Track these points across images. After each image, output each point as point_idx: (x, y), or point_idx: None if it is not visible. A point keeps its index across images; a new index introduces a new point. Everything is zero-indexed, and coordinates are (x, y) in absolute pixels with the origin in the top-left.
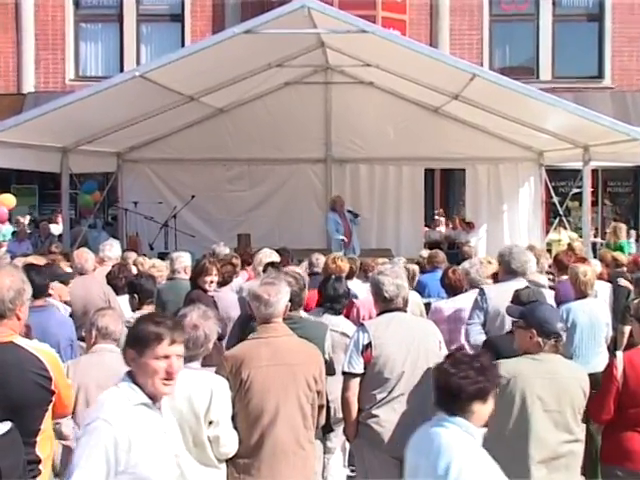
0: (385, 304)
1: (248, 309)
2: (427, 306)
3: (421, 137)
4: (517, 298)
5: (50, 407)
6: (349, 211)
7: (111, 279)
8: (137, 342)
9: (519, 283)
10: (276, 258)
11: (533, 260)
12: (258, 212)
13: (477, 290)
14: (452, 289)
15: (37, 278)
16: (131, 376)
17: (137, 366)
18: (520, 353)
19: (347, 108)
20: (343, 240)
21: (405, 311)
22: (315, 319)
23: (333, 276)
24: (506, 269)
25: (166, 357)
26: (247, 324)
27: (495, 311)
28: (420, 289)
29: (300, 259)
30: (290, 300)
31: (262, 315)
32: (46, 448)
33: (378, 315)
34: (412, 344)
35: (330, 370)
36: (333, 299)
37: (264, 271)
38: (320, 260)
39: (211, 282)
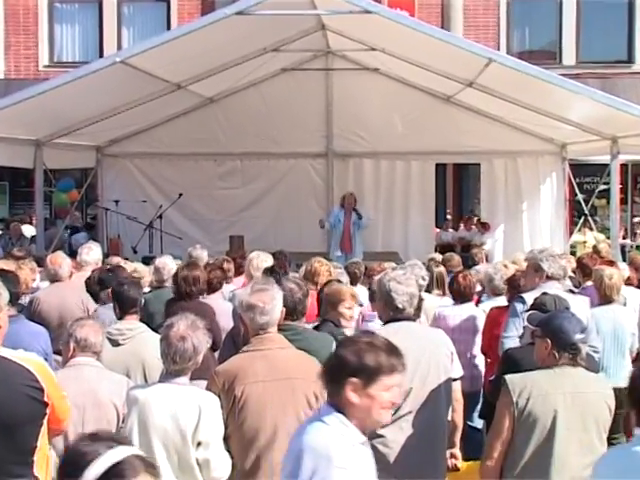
0: (394, 313)
1: (239, 322)
2: None
3: (432, 129)
4: (541, 305)
5: (45, 421)
6: (354, 209)
7: (91, 286)
8: (365, 371)
9: (555, 290)
10: (268, 262)
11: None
12: (252, 212)
13: (498, 297)
14: (460, 296)
15: (8, 285)
16: (335, 407)
17: (358, 397)
18: (539, 365)
19: (350, 97)
20: (322, 226)
21: (414, 320)
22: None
23: (334, 282)
24: (541, 274)
25: (391, 388)
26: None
27: None
28: None
29: (299, 263)
30: (292, 308)
31: (257, 325)
32: (44, 467)
33: (386, 323)
34: (422, 356)
35: None
36: None
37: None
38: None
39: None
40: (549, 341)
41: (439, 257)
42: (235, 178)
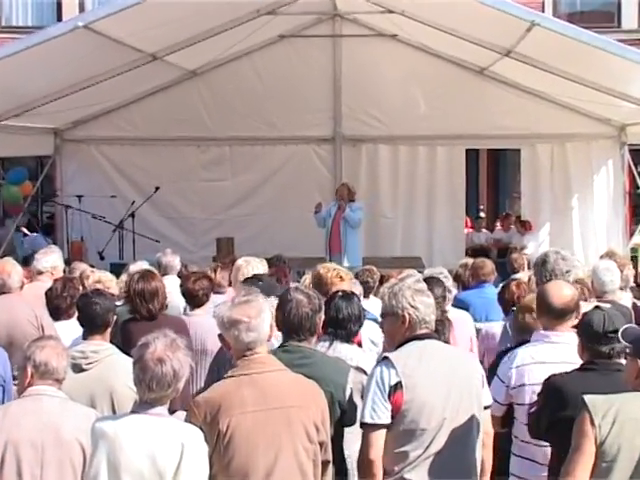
0: (413, 329)
1: (222, 343)
2: None
3: (461, 108)
4: (589, 326)
5: None
6: (351, 201)
7: (52, 299)
8: None
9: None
10: (261, 269)
11: (617, 275)
12: (244, 209)
13: None
14: (511, 308)
15: None
16: None
17: None
18: (629, 389)
19: (362, 70)
20: (318, 211)
21: (438, 338)
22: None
23: (340, 293)
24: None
25: None
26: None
27: None
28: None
29: (300, 271)
30: (296, 325)
31: (242, 345)
32: None
33: (404, 343)
34: (453, 383)
35: (349, 420)
36: (337, 323)
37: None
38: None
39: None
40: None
41: (470, 262)
42: (223, 168)
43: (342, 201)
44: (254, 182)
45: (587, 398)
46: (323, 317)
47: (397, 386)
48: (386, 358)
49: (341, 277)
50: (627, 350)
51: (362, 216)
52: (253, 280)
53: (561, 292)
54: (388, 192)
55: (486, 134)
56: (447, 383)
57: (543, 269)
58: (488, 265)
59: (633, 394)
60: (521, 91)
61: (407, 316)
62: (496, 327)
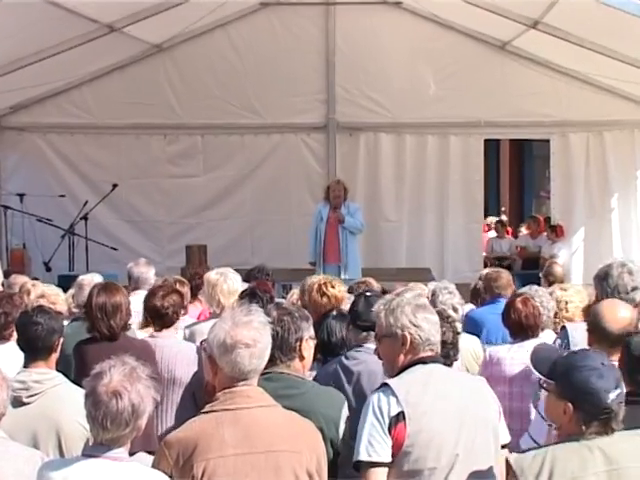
0: (415, 352)
1: (206, 367)
2: None
3: (479, 89)
4: (630, 352)
5: None
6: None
7: None
8: None
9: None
10: (236, 285)
11: None
12: (219, 211)
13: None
14: (519, 330)
15: None
16: None
17: None
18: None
19: (361, 44)
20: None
21: (448, 364)
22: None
23: (333, 313)
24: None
25: None
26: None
27: None
28: (473, 330)
29: (287, 285)
30: (279, 348)
31: (239, 373)
32: None
33: (405, 368)
34: (466, 413)
35: (344, 462)
36: (329, 348)
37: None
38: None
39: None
40: (569, 405)
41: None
42: (194, 162)
43: (337, 200)
44: (231, 179)
45: (512, 459)
46: (313, 340)
47: (399, 417)
48: (385, 385)
49: (336, 296)
50: (547, 386)
51: (362, 219)
52: (252, 295)
53: (617, 314)
54: (391, 191)
55: (508, 121)
56: (459, 413)
57: (605, 284)
58: (503, 277)
59: (569, 444)
60: (550, 70)
61: (408, 336)
62: (502, 351)
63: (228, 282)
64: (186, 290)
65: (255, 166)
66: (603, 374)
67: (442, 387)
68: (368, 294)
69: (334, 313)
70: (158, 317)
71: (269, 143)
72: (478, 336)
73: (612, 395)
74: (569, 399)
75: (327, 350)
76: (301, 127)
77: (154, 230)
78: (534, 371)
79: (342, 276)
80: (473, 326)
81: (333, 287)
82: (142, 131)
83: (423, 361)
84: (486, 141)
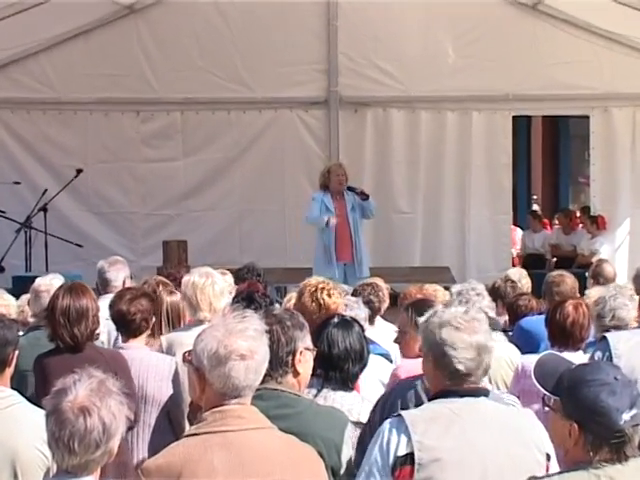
0: (452, 382)
1: (192, 382)
2: None
3: (506, 58)
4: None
5: None
6: (350, 188)
7: None
8: None
9: None
10: (224, 287)
11: None
12: (201, 200)
13: None
14: (560, 336)
15: None
16: None
17: None
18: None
19: (367, 5)
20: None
21: (486, 394)
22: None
23: (335, 319)
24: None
25: None
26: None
27: None
28: (525, 343)
29: (281, 287)
30: (272, 362)
31: (232, 389)
32: None
33: (435, 397)
34: (493, 462)
35: None
36: (330, 362)
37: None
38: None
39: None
40: (575, 425)
41: (518, 275)
42: (172, 143)
43: (340, 186)
44: (216, 163)
45: None
46: (311, 351)
47: (406, 459)
48: (399, 416)
49: (329, 306)
50: (551, 403)
51: None
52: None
53: None
54: (404, 177)
55: (541, 94)
56: (481, 466)
57: None
58: (568, 281)
59: (575, 473)
60: (590, 34)
61: (454, 365)
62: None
63: (215, 287)
64: (175, 299)
65: (244, 148)
66: (616, 390)
67: (470, 430)
68: (336, 320)
69: (335, 320)
70: (124, 325)
71: (260, 121)
72: (533, 352)
73: (626, 416)
74: (575, 419)
75: (328, 363)
76: (298, 102)
77: (126, 223)
78: (538, 386)
79: (357, 275)
80: (526, 338)
81: (329, 296)
82: (111, 107)
83: (460, 393)
84: (515, 118)
